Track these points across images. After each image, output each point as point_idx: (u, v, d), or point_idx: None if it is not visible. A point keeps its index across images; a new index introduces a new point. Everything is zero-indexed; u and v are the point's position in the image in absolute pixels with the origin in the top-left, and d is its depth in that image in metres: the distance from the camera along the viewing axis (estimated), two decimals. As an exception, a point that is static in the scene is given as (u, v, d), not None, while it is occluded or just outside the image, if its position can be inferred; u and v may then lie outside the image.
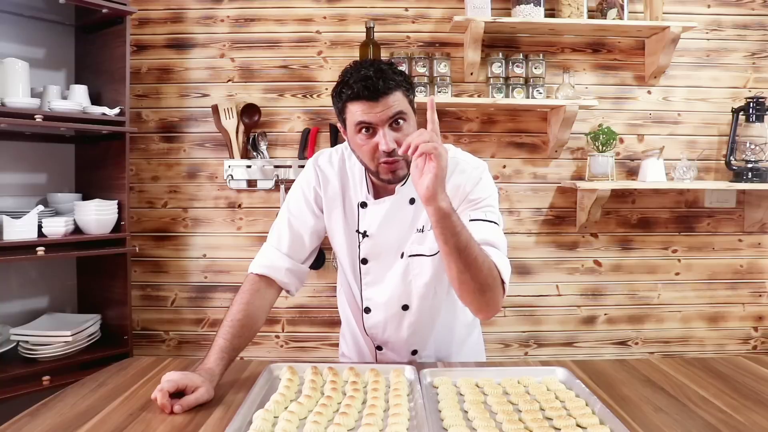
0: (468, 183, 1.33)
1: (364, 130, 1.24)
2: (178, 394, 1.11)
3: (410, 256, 1.37)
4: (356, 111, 1.23)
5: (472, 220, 1.28)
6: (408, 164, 1.26)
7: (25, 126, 2.00)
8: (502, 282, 1.22)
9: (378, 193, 1.39)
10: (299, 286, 1.43)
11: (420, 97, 2.41)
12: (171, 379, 1.11)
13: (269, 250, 1.41)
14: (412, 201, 1.37)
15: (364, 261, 1.41)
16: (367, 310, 1.44)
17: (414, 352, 1.47)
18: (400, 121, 1.24)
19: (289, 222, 1.42)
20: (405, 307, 1.41)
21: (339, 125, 1.34)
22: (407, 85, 1.27)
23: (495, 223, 1.30)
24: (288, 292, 1.42)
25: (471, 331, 1.56)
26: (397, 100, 1.23)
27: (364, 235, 1.39)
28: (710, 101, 2.60)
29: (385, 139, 1.22)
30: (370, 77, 1.20)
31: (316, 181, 1.43)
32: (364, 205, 1.39)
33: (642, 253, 2.62)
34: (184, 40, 2.56)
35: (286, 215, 1.43)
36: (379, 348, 1.49)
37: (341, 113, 1.29)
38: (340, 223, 1.42)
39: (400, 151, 1.16)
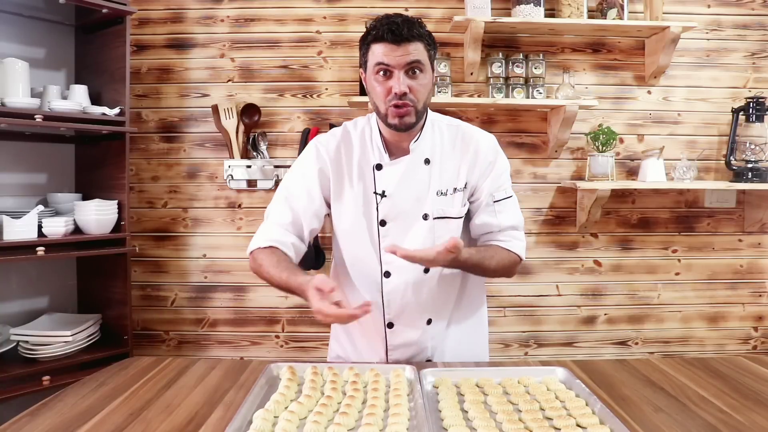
0: (489, 152, 1.45)
1: (382, 72, 1.31)
2: None
3: (435, 218, 1.40)
4: (378, 52, 1.30)
5: (496, 201, 1.45)
6: (417, 113, 1.33)
7: (25, 126, 2.00)
8: (520, 259, 1.47)
9: (392, 154, 1.42)
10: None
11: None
12: (315, 293, 1.13)
13: (271, 226, 1.42)
14: (426, 161, 1.41)
15: (383, 222, 1.41)
16: (387, 275, 1.42)
17: (429, 322, 1.45)
18: (417, 71, 1.31)
19: (288, 201, 1.43)
20: (426, 270, 1.41)
21: (361, 71, 1.40)
22: (430, 41, 1.34)
23: (512, 195, 1.49)
24: None
25: (480, 306, 1.58)
26: (417, 50, 1.30)
27: (383, 195, 1.40)
28: (710, 101, 2.60)
29: (398, 82, 1.29)
30: (397, 23, 1.28)
31: (318, 159, 1.44)
32: (379, 167, 1.42)
33: (642, 253, 2.62)
34: (184, 40, 2.56)
35: (284, 195, 1.45)
36: (390, 325, 1.44)
37: (364, 56, 1.35)
38: (352, 191, 1.42)
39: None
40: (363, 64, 1.37)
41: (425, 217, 1.40)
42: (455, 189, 1.42)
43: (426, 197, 1.40)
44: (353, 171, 1.43)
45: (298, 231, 1.43)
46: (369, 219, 1.42)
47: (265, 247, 1.38)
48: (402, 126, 1.34)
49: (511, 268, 1.47)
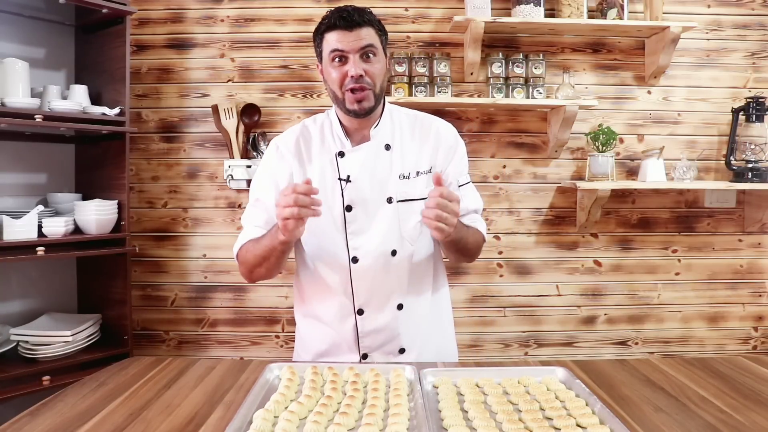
0: (449, 136, 1.51)
1: (337, 59, 1.35)
2: None
3: (399, 201, 1.44)
4: (332, 39, 1.35)
5: (461, 185, 1.50)
6: (375, 96, 1.38)
7: (25, 126, 2.00)
8: (484, 240, 1.53)
9: (354, 142, 1.46)
10: (284, 264, 1.44)
11: (420, 97, 2.42)
12: (286, 194, 1.19)
13: (247, 228, 1.47)
14: (387, 147, 1.46)
15: (349, 208, 1.43)
16: (355, 260, 1.43)
17: (400, 307, 1.45)
18: (370, 55, 1.36)
19: (259, 202, 1.47)
20: (393, 253, 1.44)
21: (317, 64, 1.44)
22: (380, 27, 1.40)
23: (469, 182, 1.56)
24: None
25: (445, 296, 1.60)
26: (369, 34, 1.36)
27: (347, 180, 1.43)
28: (710, 101, 2.60)
29: (354, 65, 1.34)
30: (347, 11, 1.34)
31: (278, 155, 1.48)
32: (342, 154, 1.45)
33: (642, 253, 2.62)
34: (184, 40, 2.56)
35: (254, 197, 1.49)
36: (360, 312, 1.44)
37: (319, 46, 1.40)
38: (317, 181, 1.42)
39: (423, 214, 1.23)
40: (318, 55, 1.42)
41: (389, 200, 1.44)
42: (418, 172, 1.46)
43: (388, 181, 1.44)
44: (313, 161, 1.46)
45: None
46: (334, 206, 1.43)
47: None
48: (361, 111, 1.38)
49: (479, 248, 1.53)
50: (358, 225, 1.43)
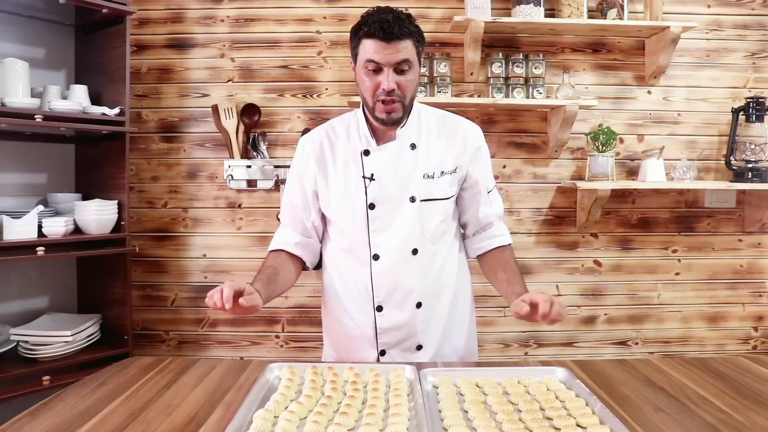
0: (476, 138, 1.52)
1: (371, 68, 1.35)
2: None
3: (422, 200, 1.45)
4: (369, 48, 1.34)
5: (489, 191, 1.54)
6: (404, 107, 1.39)
7: (25, 126, 2.00)
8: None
9: (379, 140, 1.47)
10: (314, 260, 1.56)
11: (420, 97, 2.42)
12: (230, 283, 1.19)
13: (280, 229, 1.56)
14: (413, 146, 1.46)
15: (372, 206, 1.44)
16: (376, 257, 1.45)
17: (419, 305, 1.46)
18: (405, 68, 1.35)
19: (290, 203, 1.54)
20: (414, 251, 1.45)
21: (351, 60, 1.44)
22: (419, 37, 1.38)
23: (495, 186, 1.58)
24: (304, 266, 1.54)
25: (468, 295, 1.62)
26: (406, 48, 1.34)
27: (371, 179, 1.44)
28: (710, 101, 2.60)
29: (388, 79, 1.33)
30: (388, 21, 1.31)
31: (303, 155, 1.51)
32: (367, 152, 1.46)
33: (642, 253, 2.62)
34: (184, 40, 2.56)
35: (286, 197, 1.56)
36: (379, 309, 1.46)
37: (355, 48, 1.39)
38: (339, 178, 1.47)
39: (539, 315, 1.20)
40: (353, 55, 1.42)
41: (412, 199, 1.45)
42: (442, 172, 1.47)
43: (412, 180, 1.45)
44: (338, 160, 1.48)
45: (301, 228, 1.53)
46: (357, 204, 1.45)
47: (274, 250, 1.52)
48: (389, 121, 1.40)
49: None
50: (380, 223, 1.45)
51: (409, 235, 1.44)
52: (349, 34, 1.42)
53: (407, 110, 1.42)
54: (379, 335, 1.48)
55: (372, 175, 1.44)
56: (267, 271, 1.42)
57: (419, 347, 1.49)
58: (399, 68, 1.34)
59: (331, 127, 1.54)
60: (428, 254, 1.47)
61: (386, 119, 1.39)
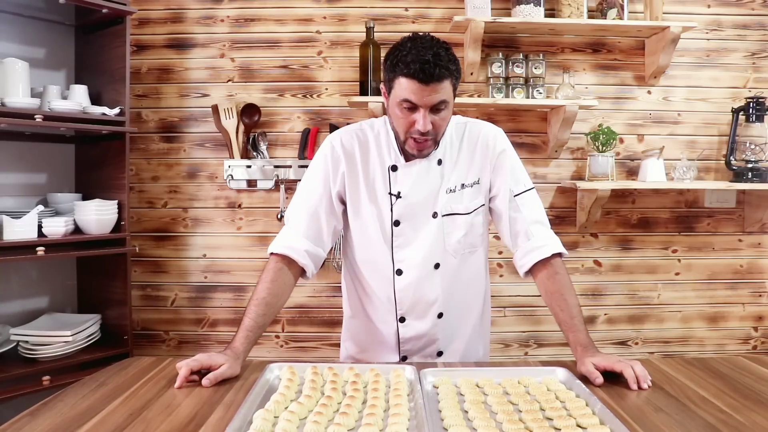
0: (496, 143, 1.45)
1: (407, 106, 1.30)
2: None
3: (444, 215, 1.43)
4: (405, 87, 1.28)
5: (516, 195, 1.44)
6: (436, 143, 1.36)
7: (25, 126, 2.00)
8: (561, 256, 1.46)
9: (407, 156, 1.43)
10: (314, 271, 1.46)
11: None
12: (196, 358, 1.21)
13: (288, 231, 1.45)
14: (439, 162, 1.44)
15: (397, 223, 1.43)
16: (399, 272, 1.45)
17: (440, 315, 1.47)
18: (442, 108, 1.31)
19: (306, 203, 1.46)
20: (437, 266, 1.45)
21: (383, 88, 1.39)
22: (457, 75, 1.33)
23: (532, 188, 1.48)
24: (304, 274, 1.44)
25: (486, 301, 1.59)
26: (444, 88, 1.29)
27: (398, 196, 1.43)
28: (710, 101, 2.60)
29: (424, 120, 1.30)
30: (429, 62, 1.25)
31: (333, 156, 1.46)
32: (394, 168, 1.44)
33: (642, 253, 2.62)
34: (184, 40, 2.56)
35: (302, 197, 1.47)
36: (401, 320, 1.47)
37: (390, 81, 1.33)
38: (367, 191, 1.45)
39: (632, 385, 1.20)
40: (387, 86, 1.35)
41: (434, 215, 1.43)
42: (463, 185, 1.45)
43: (437, 196, 1.43)
44: (368, 171, 1.45)
45: (316, 234, 1.44)
46: (382, 219, 1.44)
47: (278, 254, 1.41)
48: (419, 156, 1.38)
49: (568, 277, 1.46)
50: (404, 239, 1.44)
51: (432, 250, 1.44)
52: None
53: (438, 144, 1.38)
54: (401, 344, 1.50)
55: (399, 192, 1.42)
56: (259, 309, 1.34)
57: (440, 353, 1.51)
58: (435, 107, 1.30)
59: (362, 132, 1.48)
60: (450, 267, 1.46)
61: (417, 155, 1.37)
